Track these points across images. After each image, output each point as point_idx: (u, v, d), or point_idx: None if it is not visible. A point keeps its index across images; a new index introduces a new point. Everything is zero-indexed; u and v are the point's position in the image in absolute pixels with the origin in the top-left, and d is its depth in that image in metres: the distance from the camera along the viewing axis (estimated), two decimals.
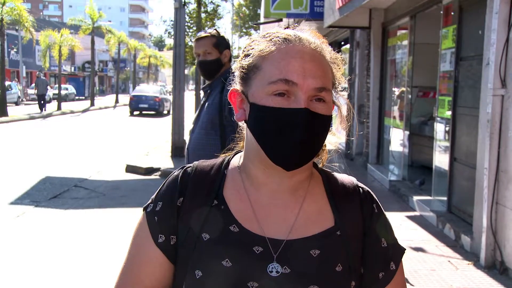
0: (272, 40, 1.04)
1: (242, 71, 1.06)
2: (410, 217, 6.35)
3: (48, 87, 32.52)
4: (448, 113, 6.23)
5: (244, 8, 42.17)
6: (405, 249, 1.15)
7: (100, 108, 33.23)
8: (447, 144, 6.26)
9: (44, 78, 26.59)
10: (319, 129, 1.01)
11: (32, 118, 22.92)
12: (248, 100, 1.04)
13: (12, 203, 6.95)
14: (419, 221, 6.19)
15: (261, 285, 0.99)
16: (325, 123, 1.02)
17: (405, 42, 8.29)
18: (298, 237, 1.04)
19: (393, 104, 9.18)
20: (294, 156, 1.00)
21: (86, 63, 50.36)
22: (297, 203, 1.08)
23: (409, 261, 4.74)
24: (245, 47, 1.09)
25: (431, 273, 4.48)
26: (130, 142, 14.48)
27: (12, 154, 11.57)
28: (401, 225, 6.08)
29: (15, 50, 35.12)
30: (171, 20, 15.33)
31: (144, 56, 52.17)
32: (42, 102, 25.59)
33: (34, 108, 28.81)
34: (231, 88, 1.09)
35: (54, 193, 7.62)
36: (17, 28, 28.99)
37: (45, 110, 25.57)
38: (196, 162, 1.15)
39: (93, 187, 8.10)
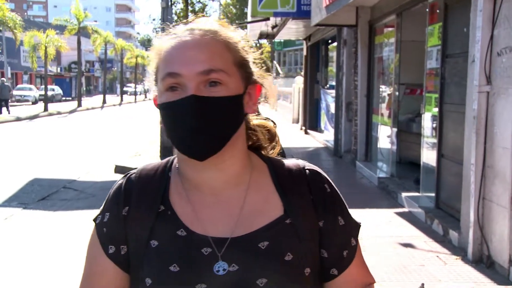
0: (166, 38, 1.05)
1: (152, 77, 1.07)
2: (399, 214, 6.41)
3: (35, 87, 32.27)
4: (435, 110, 6.30)
5: (231, 7, 42.12)
6: (360, 223, 1.15)
7: (88, 109, 33.03)
8: (435, 140, 6.32)
9: (7, 84, 26.10)
10: (213, 113, 0.98)
11: (18, 119, 22.73)
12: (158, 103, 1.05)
13: (0, 206, 6.89)
14: (408, 217, 6.25)
15: (209, 286, 0.98)
16: (224, 104, 0.99)
17: (392, 40, 8.35)
18: (246, 232, 1.02)
19: (381, 101, 9.24)
20: (194, 144, 0.98)
21: (72, 64, 50.00)
22: (240, 197, 1.06)
23: (398, 257, 4.79)
24: (149, 52, 1.10)
25: (420, 269, 4.53)
26: (119, 142, 14.41)
27: None
28: (390, 221, 6.13)
29: None
30: (160, 19, 15.30)
31: (131, 56, 51.91)
32: (4, 105, 24.73)
33: (20, 109, 28.55)
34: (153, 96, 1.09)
35: (42, 194, 7.57)
36: (0, 28, 28.69)
37: (8, 113, 24.60)
38: (140, 167, 1.13)
39: (82, 188, 8.07)
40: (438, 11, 6.26)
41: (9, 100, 25.89)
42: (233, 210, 1.05)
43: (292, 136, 15.43)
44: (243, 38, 1.09)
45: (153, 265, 1.01)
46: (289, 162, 1.13)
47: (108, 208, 1.10)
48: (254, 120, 1.15)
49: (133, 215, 1.06)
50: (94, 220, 1.11)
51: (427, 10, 6.61)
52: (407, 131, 8.37)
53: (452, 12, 5.86)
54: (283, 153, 3.52)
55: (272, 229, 1.03)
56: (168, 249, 1.02)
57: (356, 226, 1.14)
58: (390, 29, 8.65)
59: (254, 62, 1.09)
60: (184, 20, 1.08)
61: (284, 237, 1.03)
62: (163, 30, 1.09)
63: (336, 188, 1.13)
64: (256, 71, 1.09)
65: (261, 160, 1.12)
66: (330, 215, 1.08)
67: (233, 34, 1.07)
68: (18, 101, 35.66)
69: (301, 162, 1.13)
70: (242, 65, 1.05)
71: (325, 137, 13.93)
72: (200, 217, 1.04)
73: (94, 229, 1.10)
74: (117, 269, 1.07)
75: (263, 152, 1.15)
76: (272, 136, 1.19)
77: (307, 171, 1.11)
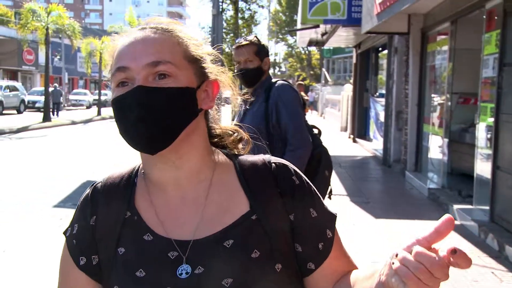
0: (117, 39, 1.05)
1: (110, 79, 1.05)
2: None
3: (89, 92, 33.38)
4: (491, 120, 6.08)
5: (280, 14, 42.26)
6: (336, 214, 1.09)
7: None
8: (490, 151, 6.10)
9: (59, 89, 27.31)
10: (160, 102, 0.96)
11: (73, 123, 23.56)
12: None
13: (55, 206, 7.15)
14: (460, 230, 6.05)
15: None
16: (170, 95, 0.96)
17: (445, 48, 8.14)
18: (210, 233, 0.99)
19: (432, 110, 9.02)
20: (140, 135, 0.97)
21: None
22: (203, 196, 1.03)
23: (450, 272, 4.63)
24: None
25: (473, 285, 4.37)
26: None
27: (55, 158, 11.90)
28: None
29: (58, 57, 36.21)
30: (209, 27, 15.51)
31: None
32: (56, 109, 26.10)
33: (75, 113, 29.62)
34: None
35: None
36: (60, 36, 29.89)
37: (57, 116, 25.73)
38: (106, 176, 1.12)
39: None
40: (496, 17, 6.05)
41: (62, 105, 27.00)
42: (196, 210, 1.02)
43: (340, 144, 15.28)
44: (200, 36, 1.09)
45: (120, 272, 1.01)
46: (255, 157, 1.10)
47: (77, 219, 1.09)
48: (217, 129, 1.15)
49: (101, 224, 1.05)
50: (64, 233, 1.10)
51: (484, 17, 6.40)
52: (460, 141, 8.12)
53: None
54: (329, 165, 3.41)
55: (237, 226, 1.00)
56: (134, 255, 1.00)
57: (332, 217, 1.07)
58: (443, 36, 8.44)
59: (211, 60, 1.08)
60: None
61: (250, 233, 0.99)
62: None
63: (306, 180, 1.08)
64: (213, 67, 1.08)
65: (226, 157, 1.10)
66: (300, 207, 1.04)
67: (185, 31, 1.06)
68: (73, 105, 37.03)
69: (266, 157, 1.10)
70: (195, 61, 1.03)
71: (373, 146, 13.71)
72: (163, 220, 1.02)
73: (65, 242, 1.09)
74: (89, 280, 1.06)
75: (230, 150, 1.14)
76: (240, 139, 1.17)
77: (273, 164, 1.07)
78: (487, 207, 6.05)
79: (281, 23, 40.29)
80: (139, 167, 1.12)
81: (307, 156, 3.06)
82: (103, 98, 35.13)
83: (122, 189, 1.08)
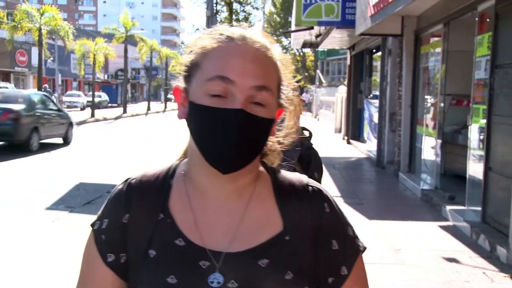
0: (215, 37, 1.00)
1: (184, 68, 1.02)
2: (443, 227, 6.24)
3: (83, 94, 33.27)
4: (483, 122, 6.12)
5: (275, 16, 42.31)
6: (361, 251, 1.06)
7: (132, 115, 33.78)
8: (482, 153, 6.14)
9: (49, 89, 27.11)
10: (256, 132, 0.96)
11: None
12: (189, 98, 1.00)
13: (48, 208, 7.12)
14: (453, 231, 6.08)
15: None
16: (264, 126, 0.97)
17: (438, 50, 8.19)
18: (245, 248, 0.99)
19: (426, 112, 9.06)
20: (228, 157, 0.95)
21: (119, 71, 51.34)
22: (242, 208, 1.02)
23: (442, 272, 4.66)
24: (189, 43, 1.05)
25: (465, 285, 4.39)
26: (162, 149, 14.66)
27: (47, 160, 11.85)
28: (434, 235, 5.97)
29: (51, 58, 36.09)
30: (204, 29, 15.49)
31: (176, 64, 52.86)
32: None
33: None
34: (175, 85, 1.05)
35: (87, 199, 7.77)
36: (53, 37, 29.80)
37: None
38: (140, 173, 1.10)
39: None
40: (488, 20, 6.09)
41: None
42: (233, 221, 1.01)
43: (334, 145, 15.31)
44: (285, 57, 1.05)
45: (150, 276, 0.99)
46: (293, 176, 1.09)
47: (107, 214, 1.06)
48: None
49: (133, 223, 1.03)
50: (92, 225, 1.07)
51: (477, 19, 6.45)
52: (453, 142, 8.16)
53: (503, 21, 5.70)
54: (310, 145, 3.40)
55: (272, 246, 0.99)
56: (165, 259, 0.99)
57: (355, 251, 1.05)
58: (436, 38, 8.48)
59: (287, 84, 1.06)
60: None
61: (284, 254, 0.99)
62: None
63: (338, 209, 1.07)
64: (287, 94, 1.05)
65: (265, 169, 1.09)
66: (324, 237, 1.03)
67: (279, 52, 1.04)
68: (67, 107, 36.90)
69: (304, 178, 1.08)
70: (280, 88, 1.02)
71: (367, 147, 13.75)
72: (199, 226, 1.01)
73: (92, 235, 1.06)
74: (115, 278, 1.03)
75: (266, 160, 1.12)
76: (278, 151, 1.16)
77: (309, 188, 1.06)
78: (479, 208, 6.08)
79: (276, 24, 40.37)
80: (175, 167, 1.09)
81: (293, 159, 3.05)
82: (97, 100, 35.04)
83: (156, 189, 1.05)
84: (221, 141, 0.94)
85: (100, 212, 1.08)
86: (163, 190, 1.05)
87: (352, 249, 1.05)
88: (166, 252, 0.99)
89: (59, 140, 14.71)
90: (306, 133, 3.26)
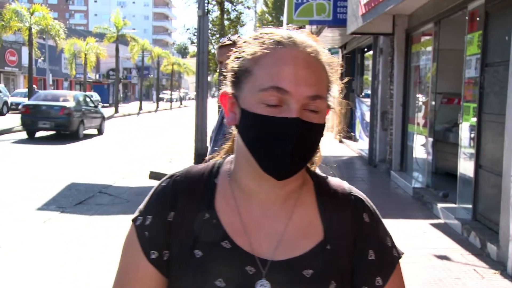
0: (265, 43, 0.97)
1: (233, 74, 1.00)
2: (434, 225, 6.27)
3: None
4: (473, 120, 6.16)
5: (267, 15, 42.33)
6: (397, 262, 1.06)
7: (124, 115, 33.65)
8: (472, 151, 6.18)
9: (37, 90, 26.95)
10: (311, 139, 0.96)
11: None
12: (239, 105, 0.98)
13: (39, 209, 7.09)
14: (444, 229, 6.11)
15: None
16: (318, 131, 0.97)
17: (429, 48, 8.23)
18: (290, 256, 0.99)
19: (417, 110, 9.10)
20: (284, 166, 0.95)
21: (110, 71, 51.13)
22: (287, 214, 1.02)
23: (433, 269, 4.69)
24: (237, 48, 1.02)
25: (456, 282, 4.42)
26: (154, 149, 14.63)
27: (38, 160, 11.80)
28: (425, 232, 6.01)
29: (42, 58, 35.87)
30: (195, 28, 15.49)
31: (167, 64, 52.73)
32: None
33: None
34: (222, 90, 1.03)
35: (79, 199, 7.74)
36: (44, 37, 29.63)
37: None
38: (184, 170, 1.08)
39: (117, 194, 8.21)
40: (478, 19, 6.13)
41: None
42: (279, 227, 1.01)
43: (326, 144, 15.32)
44: (334, 60, 1.04)
45: (197, 277, 0.97)
46: (335, 182, 1.09)
47: (152, 211, 1.03)
48: None
49: (179, 221, 1.01)
50: (134, 220, 1.04)
51: (467, 18, 6.48)
52: (444, 141, 8.21)
53: (493, 20, 5.73)
54: None
55: (316, 256, 0.99)
56: (212, 261, 0.98)
57: (392, 261, 1.05)
58: (427, 37, 8.53)
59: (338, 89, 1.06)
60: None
61: (327, 265, 0.99)
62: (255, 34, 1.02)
63: (378, 219, 1.07)
64: (336, 97, 1.05)
65: (308, 174, 1.08)
66: (361, 246, 1.03)
67: (327, 54, 1.02)
68: None
69: (347, 186, 1.09)
70: (329, 90, 1.02)
71: (359, 146, 13.79)
72: (246, 230, 1.00)
73: (134, 231, 1.03)
74: (158, 275, 1.01)
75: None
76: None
77: (352, 197, 1.06)
78: (470, 206, 6.12)
79: (267, 24, 40.36)
80: (219, 165, 1.08)
81: None
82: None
83: (202, 188, 1.04)
84: (278, 150, 0.93)
85: (142, 207, 1.06)
86: (208, 189, 1.04)
87: (389, 260, 1.05)
88: (212, 254, 0.98)
89: (95, 131, 18.75)
90: None
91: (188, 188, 1.04)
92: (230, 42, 3.14)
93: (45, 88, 36.84)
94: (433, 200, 7.15)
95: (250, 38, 1.01)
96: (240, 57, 0.99)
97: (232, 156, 1.08)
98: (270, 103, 0.93)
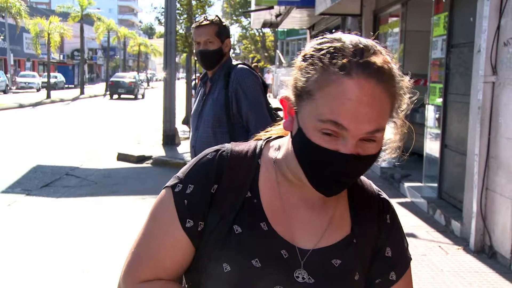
0: (330, 69, 0.91)
1: (296, 88, 0.96)
2: (401, 204, 6.41)
3: (37, 75, 32.33)
4: (439, 100, 6.27)
5: None
6: (409, 262, 1.13)
7: (90, 97, 33.03)
8: (438, 131, 6.30)
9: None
10: (363, 167, 0.97)
11: (21, 106, 22.74)
12: (298, 121, 0.96)
13: (3, 192, 6.92)
14: (410, 207, 6.26)
15: None
16: (372, 160, 0.96)
17: (396, 30, 8.31)
18: (324, 246, 1.03)
19: None
20: (334, 190, 0.98)
21: (75, 51, 49.92)
22: (329, 208, 1.06)
23: None
24: (304, 59, 0.97)
25: (422, 258, 4.54)
26: (121, 130, 14.42)
27: (2, 142, 11.49)
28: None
29: (1, 37, 34.66)
30: (162, 8, 15.20)
31: (134, 44, 51.78)
32: None
33: (23, 96, 28.57)
34: (284, 95, 1.01)
35: (45, 181, 7.59)
36: (3, 15, 28.61)
37: None
38: (229, 146, 1.08)
39: (84, 175, 8.08)
40: (444, 0, 6.21)
41: (8, 87, 26.05)
42: (318, 220, 1.04)
43: None
44: (405, 84, 1.00)
45: (234, 253, 0.98)
46: (364, 181, 1.13)
47: (195, 180, 1.03)
48: None
49: (222, 195, 1.02)
50: (172, 187, 1.04)
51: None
52: (410, 121, 8.32)
53: (459, 1, 5.81)
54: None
55: (344, 247, 1.04)
56: (250, 240, 0.99)
57: (405, 264, 1.11)
58: (394, 18, 8.60)
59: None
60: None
61: (353, 256, 1.04)
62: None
63: (397, 222, 1.13)
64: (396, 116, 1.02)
65: None
66: (380, 244, 1.09)
67: (399, 75, 0.98)
68: (22, 88, 35.64)
69: (375, 187, 1.14)
70: (392, 117, 0.99)
71: None
72: (286, 216, 1.02)
73: (171, 197, 1.03)
74: (188, 244, 1.02)
75: None
76: None
77: (379, 198, 1.12)
78: (436, 185, 6.27)
79: (235, 4, 39.94)
80: (261, 147, 1.08)
81: None
82: (52, 80, 34.02)
83: (246, 166, 1.05)
84: (328, 177, 0.95)
85: (182, 175, 1.05)
86: (252, 168, 1.05)
87: (403, 259, 1.11)
88: (250, 233, 0.99)
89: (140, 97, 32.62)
90: (281, 114, 3.25)
91: (233, 164, 1.04)
92: (207, 22, 3.08)
93: (5, 69, 35.73)
94: (400, 179, 7.29)
95: (316, 52, 0.95)
96: (307, 76, 0.94)
97: (278, 142, 1.08)
98: (327, 132, 0.91)
